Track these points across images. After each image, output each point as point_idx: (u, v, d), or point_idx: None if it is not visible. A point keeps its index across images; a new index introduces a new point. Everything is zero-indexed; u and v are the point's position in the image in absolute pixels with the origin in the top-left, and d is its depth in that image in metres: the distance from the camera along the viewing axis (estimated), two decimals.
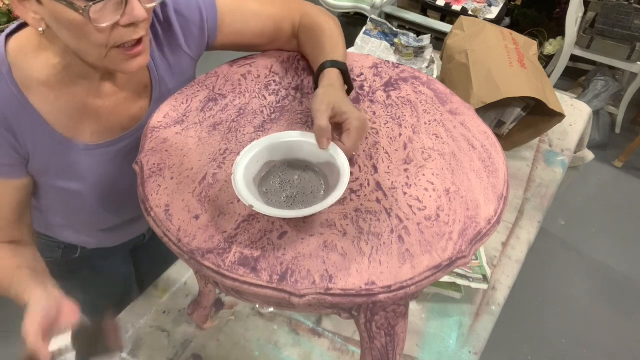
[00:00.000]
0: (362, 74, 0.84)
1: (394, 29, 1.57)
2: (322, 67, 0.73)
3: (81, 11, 0.57)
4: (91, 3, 0.57)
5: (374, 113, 0.76)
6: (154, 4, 0.64)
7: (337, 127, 0.65)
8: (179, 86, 0.80)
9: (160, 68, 0.80)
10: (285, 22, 0.85)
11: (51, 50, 0.67)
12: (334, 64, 0.73)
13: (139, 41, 0.65)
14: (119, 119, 0.77)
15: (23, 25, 0.69)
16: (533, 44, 1.29)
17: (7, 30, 0.69)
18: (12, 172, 0.70)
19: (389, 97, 0.79)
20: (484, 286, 0.98)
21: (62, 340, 0.60)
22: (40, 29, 0.62)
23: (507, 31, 1.29)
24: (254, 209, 0.54)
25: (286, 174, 0.64)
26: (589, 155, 1.49)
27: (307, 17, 0.84)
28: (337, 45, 0.78)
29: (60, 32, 0.62)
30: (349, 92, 0.75)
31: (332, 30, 0.81)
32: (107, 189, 0.81)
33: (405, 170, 0.66)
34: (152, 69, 0.79)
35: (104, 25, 0.59)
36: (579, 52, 2.45)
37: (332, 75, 0.72)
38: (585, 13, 2.56)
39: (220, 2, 0.80)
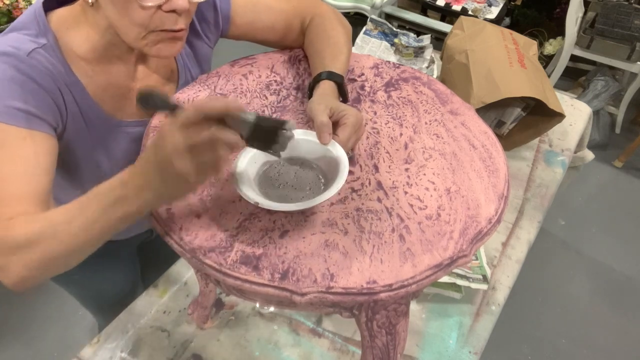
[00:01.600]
0: (362, 74, 0.84)
1: (394, 29, 1.57)
2: (318, 78, 0.74)
3: None
4: None
5: (375, 113, 0.76)
6: (198, 0, 0.66)
7: (334, 125, 0.66)
8: (201, 74, 0.83)
9: (184, 55, 0.82)
10: (296, 20, 0.86)
11: (93, 27, 0.69)
12: (330, 75, 0.74)
13: (178, 31, 0.67)
14: None
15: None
16: (533, 44, 1.29)
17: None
18: (50, 131, 0.67)
19: (389, 97, 0.79)
20: (484, 286, 0.98)
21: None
22: (90, 1, 0.64)
23: (507, 31, 1.29)
24: (260, 205, 0.54)
25: (284, 171, 0.64)
26: (589, 155, 1.49)
27: (318, 20, 0.85)
28: (338, 56, 0.78)
29: (107, 6, 0.64)
30: (344, 102, 0.75)
31: (338, 38, 0.81)
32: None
33: (406, 169, 0.66)
34: (178, 55, 0.80)
35: (148, 4, 0.61)
36: (579, 52, 2.45)
37: (326, 87, 0.73)
38: (585, 13, 2.56)
39: None
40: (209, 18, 0.81)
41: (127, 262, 1.13)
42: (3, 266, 0.56)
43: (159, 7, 0.62)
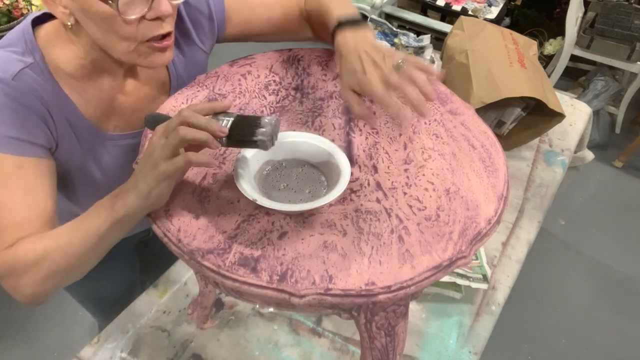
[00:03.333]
0: None
1: (394, 29, 1.57)
2: (332, 37, 0.70)
3: (110, 2, 0.59)
4: None
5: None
6: (180, 1, 0.65)
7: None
8: None
9: (177, 65, 0.82)
10: (292, 7, 0.85)
11: (78, 44, 0.68)
12: (334, 29, 0.69)
13: (165, 36, 0.66)
14: (140, 114, 0.79)
15: (49, 14, 0.70)
16: (533, 44, 1.29)
17: (33, 15, 0.69)
18: (45, 153, 0.69)
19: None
20: (484, 286, 0.98)
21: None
22: (69, 24, 0.63)
23: (507, 31, 1.29)
24: (257, 202, 0.54)
25: (286, 173, 0.64)
26: (589, 155, 1.49)
27: None
28: (334, 3, 0.73)
29: (89, 25, 0.63)
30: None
31: None
32: (121, 180, 0.82)
33: (405, 170, 0.66)
34: (169, 65, 0.80)
35: (132, 17, 0.61)
36: (579, 52, 2.45)
37: (337, 44, 0.68)
38: (585, 13, 2.56)
39: None
40: (204, 23, 0.81)
41: (125, 261, 1.13)
42: (14, 287, 0.61)
43: (143, 17, 0.62)
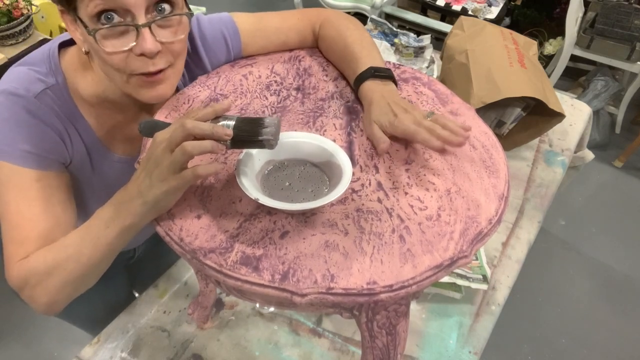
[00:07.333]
0: None
1: (394, 29, 1.57)
2: (359, 81, 0.74)
3: (91, 35, 0.60)
4: (99, 28, 0.59)
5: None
6: (171, 39, 0.63)
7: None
8: None
9: None
10: (307, 30, 0.86)
11: (95, 74, 0.71)
12: (364, 76, 0.74)
13: (159, 71, 0.65)
14: None
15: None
16: (533, 44, 1.29)
17: (60, 38, 0.72)
18: (61, 168, 0.71)
19: None
20: (484, 286, 0.98)
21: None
22: (84, 49, 0.65)
23: (507, 31, 1.29)
24: (259, 202, 0.54)
25: (288, 172, 0.64)
26: (589, 155, 1.49)
27: (328, 25, 0.85)
28: (365, 51, 0.78)
29: (93, 55, 0.65)
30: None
31: (354, 37, 0.81)
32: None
33: (407, 170, 0.66)
34: None
35: (112, 51, 0.61)
36: (579, 52, 2.45)
37: (365, 90, 0.73)
38: (585, 13, 2.56)
39: (242, 27, 0.82)
40: (220, 57, 0.82)
41: (116, 279, 1.13)
42: (30, 297, 0.63)
43: (130, 50, 0.61)
